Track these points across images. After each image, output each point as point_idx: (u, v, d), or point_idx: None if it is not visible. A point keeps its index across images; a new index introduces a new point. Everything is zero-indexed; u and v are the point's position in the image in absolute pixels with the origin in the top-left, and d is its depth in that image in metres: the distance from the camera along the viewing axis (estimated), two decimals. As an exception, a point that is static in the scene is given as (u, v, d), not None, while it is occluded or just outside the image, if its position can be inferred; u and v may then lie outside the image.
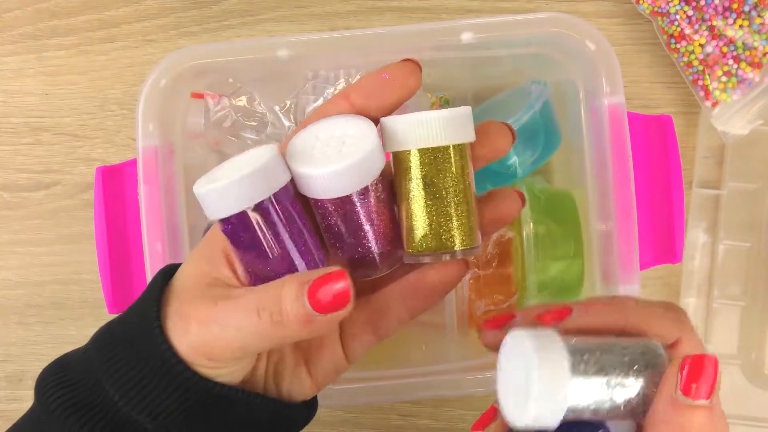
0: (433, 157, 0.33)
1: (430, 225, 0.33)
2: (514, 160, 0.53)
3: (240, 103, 0.54)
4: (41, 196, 0.61)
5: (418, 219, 0.34)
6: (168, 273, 0.35)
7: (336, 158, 0.32)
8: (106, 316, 0.59)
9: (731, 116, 0.56)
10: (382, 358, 0.52)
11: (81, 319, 0.61)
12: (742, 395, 0.59)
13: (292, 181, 0.33)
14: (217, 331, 0.32)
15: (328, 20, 0.60)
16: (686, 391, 0.28)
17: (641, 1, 0.57)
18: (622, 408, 0.29)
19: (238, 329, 0.31)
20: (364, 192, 0.33)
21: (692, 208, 0.59)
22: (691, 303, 0.59)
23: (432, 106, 0.55)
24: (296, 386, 0.37)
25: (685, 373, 0.29)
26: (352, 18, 0.60)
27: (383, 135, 0.33)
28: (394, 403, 0.60)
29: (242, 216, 0.32)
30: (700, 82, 0.57)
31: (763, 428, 0.59)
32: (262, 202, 0.32)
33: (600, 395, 0.29)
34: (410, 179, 0.33)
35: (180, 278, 0.34)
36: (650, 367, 0.29)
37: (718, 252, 0.59)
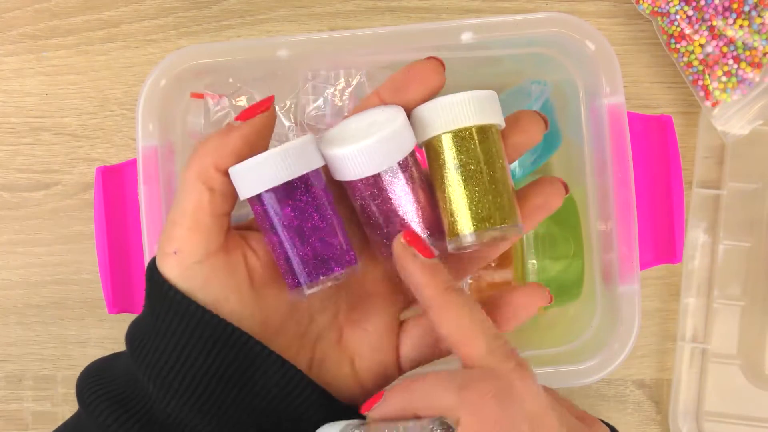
0: (460, 138, 0.34)
1: (467, 206, 0.34)
2: (514, 160, 0.53)
3: (240, 103, 0.54)
4: (41, 196, 0.61)
5: (455, 203, 0.34)
6: None
7: (364, 137, 0.33)
8: (106, 316, 0.60)
9: (731, 116, 0.56)
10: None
11: (81, 319, 0.61)
12: (742, 395, 0.59)
13: (328, 174, 0.34)
14: (175, 218, 0.33)
15: (328, 20, 0.60)
16: None
17: (641, 1, 0.57)
18: None
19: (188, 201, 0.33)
20: (395, 171, 0.34)
21: (692, 208, 0.59)
22: (691, 303, 0.59)
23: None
24: (339, 381, 0.36)
25: None
26: (352, 18, 0.60)
27: (413, 128, 0.34)
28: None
29: (271, 194, 0.32)
30: (700, 82, 0.57)
31: (763, 428, 0.59)
32: (291, 181, 0.32)
33: None
34: (442, 165, 0.34)
35: None
36: None
37: (718, 252, 0.59)
